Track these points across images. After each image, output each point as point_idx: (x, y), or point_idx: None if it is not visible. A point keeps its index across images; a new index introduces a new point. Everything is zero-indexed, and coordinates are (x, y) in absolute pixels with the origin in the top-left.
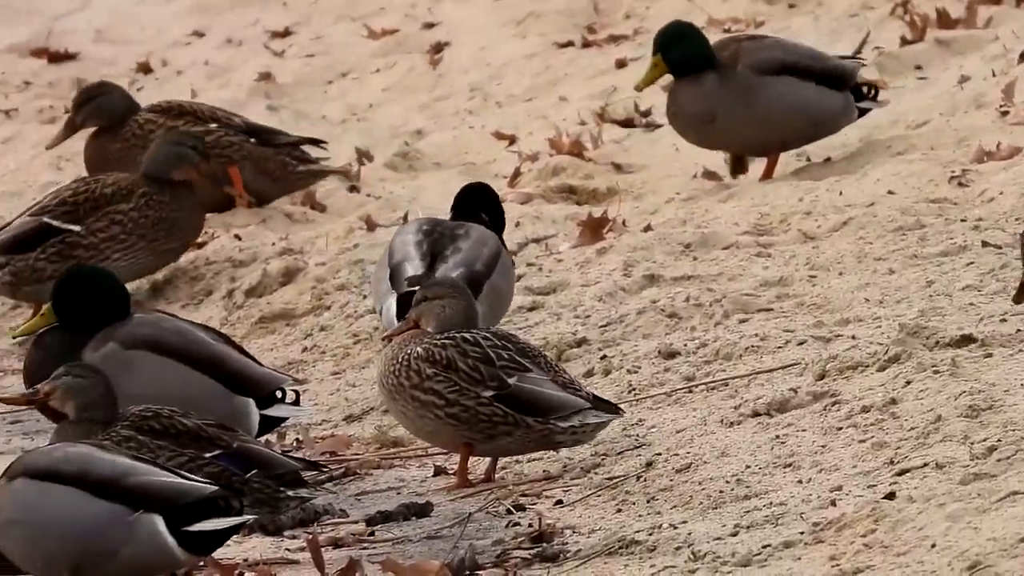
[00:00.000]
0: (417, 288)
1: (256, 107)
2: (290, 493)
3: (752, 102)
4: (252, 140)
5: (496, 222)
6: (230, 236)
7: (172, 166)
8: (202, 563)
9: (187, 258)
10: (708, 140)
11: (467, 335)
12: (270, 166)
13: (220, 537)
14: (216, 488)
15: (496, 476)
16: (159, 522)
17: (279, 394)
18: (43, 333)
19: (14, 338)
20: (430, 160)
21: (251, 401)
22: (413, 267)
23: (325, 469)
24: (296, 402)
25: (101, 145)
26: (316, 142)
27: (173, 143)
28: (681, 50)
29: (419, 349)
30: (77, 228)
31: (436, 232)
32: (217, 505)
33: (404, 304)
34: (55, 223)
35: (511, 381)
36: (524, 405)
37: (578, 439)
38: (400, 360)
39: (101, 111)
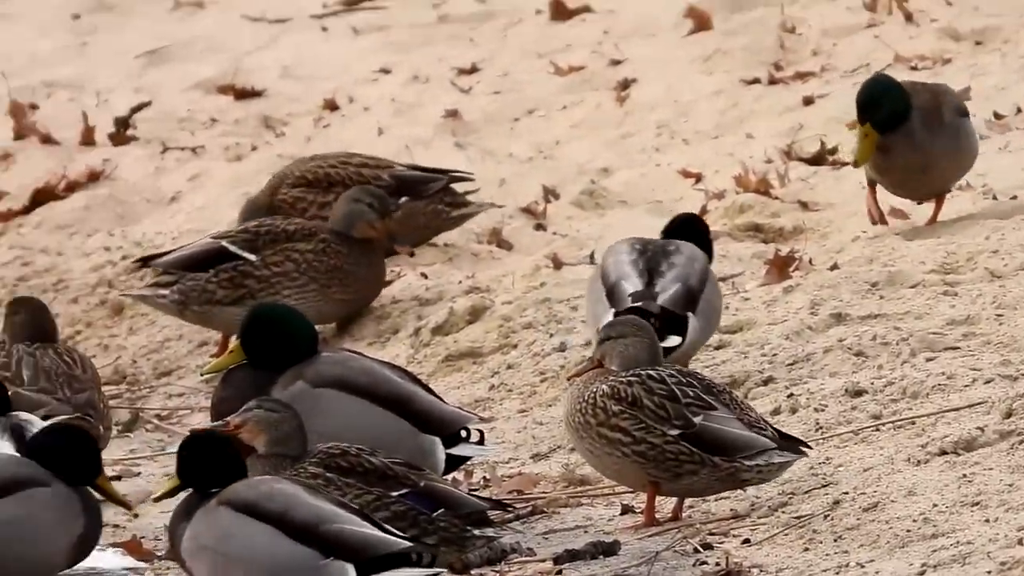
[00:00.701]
0: (640, 304)
1: (443, 144)
2: (477, 532)
3: (958, 144)
4: (403, 199)
5: (706, 250)
6: (416, 274)
7: (351, 224)
8: None
9: None
10: (917, 188)
11: (652, 372)
12: (421, 220)
13: None
14: (409, 544)
15: (683, 514)
16: (350, 570)
17: (464, 433)
18: (231, 370)
19: (202, 375)
20: (616, 198)
21: (437, 440)
22: (632, 284)
23: (512, 508)
24: (480, 441)
25: None
26: (462, 179)
27: (353, 200)
28: (886, 109)
29: (605, 387)
30: (252, 257)
31: (649, 250)
32: (408, 557)
33: None
34: (232, 248)
35: (697, 420)
36: (710, 444)
37: (764, 478)
38: (586, 398)
39: None
